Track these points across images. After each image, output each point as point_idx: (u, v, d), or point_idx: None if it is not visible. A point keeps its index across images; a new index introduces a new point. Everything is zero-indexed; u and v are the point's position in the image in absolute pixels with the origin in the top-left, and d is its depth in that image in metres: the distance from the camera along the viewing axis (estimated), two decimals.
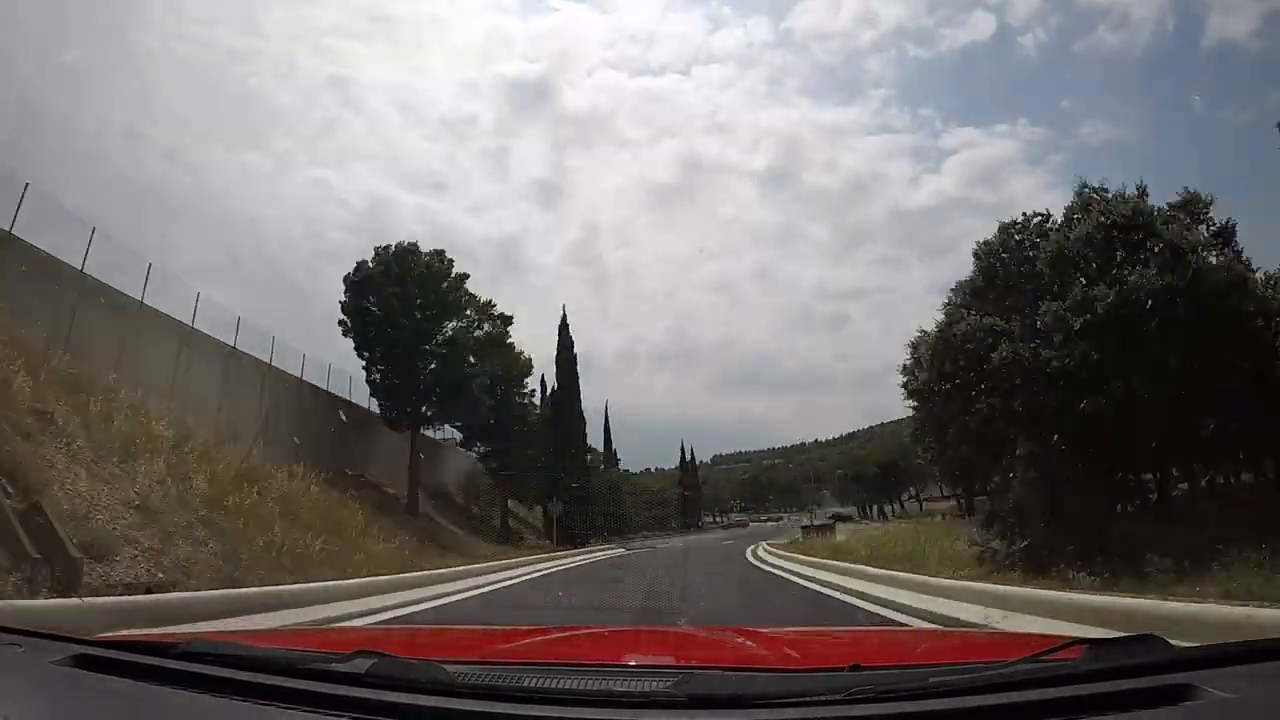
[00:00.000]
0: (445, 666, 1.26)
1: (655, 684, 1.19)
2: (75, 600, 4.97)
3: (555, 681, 1.21)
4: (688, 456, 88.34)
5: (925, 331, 21.27)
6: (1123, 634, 1.32)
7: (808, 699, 1.11)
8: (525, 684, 1.19)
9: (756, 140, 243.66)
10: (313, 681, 1.24)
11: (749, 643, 2.24)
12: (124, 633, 2.07)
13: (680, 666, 1.39)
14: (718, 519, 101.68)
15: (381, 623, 7.26)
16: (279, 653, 1.47)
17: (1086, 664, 1.16)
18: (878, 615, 7.71)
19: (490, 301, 30.94)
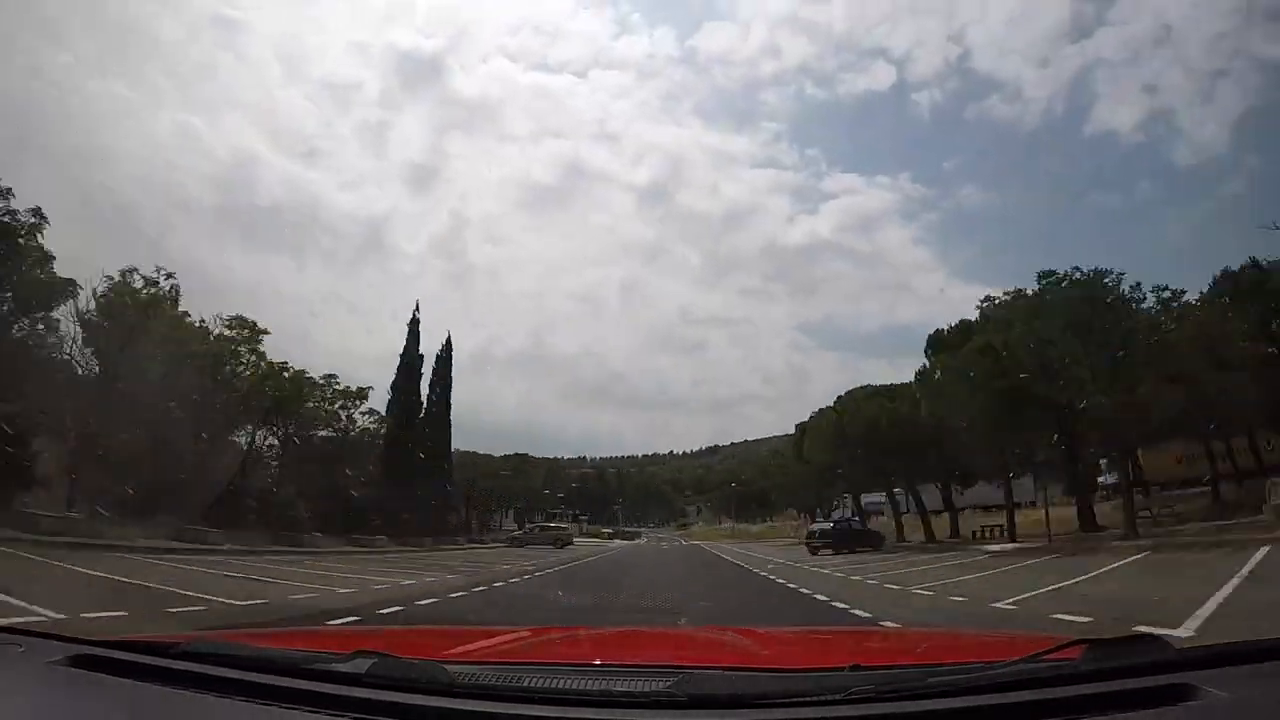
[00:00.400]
0: (445, 666, 1.26)
1: (655, 684, 1.19)
2: None
3: (555, 681, 1.21)
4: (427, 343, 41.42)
5: None
6: (1124, 635, 1.32)
7: (808, 699, 1.11)
8: (525, 684, 1.20)
9: (642, 154, 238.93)
10: (313, 681, 1.24)
11: (749, 643, 2.24)
12: (124, 634, 2.07)
13: (680, 666, 1.39)
14: (512, 527, 55.18)
15: None
16: (279, 653, 1.47)
17: (1086, 664, 1.16)
18: None
19: None
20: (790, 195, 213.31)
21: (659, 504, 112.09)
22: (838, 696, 1.10)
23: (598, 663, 1.58)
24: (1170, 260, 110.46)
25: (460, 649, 1.94)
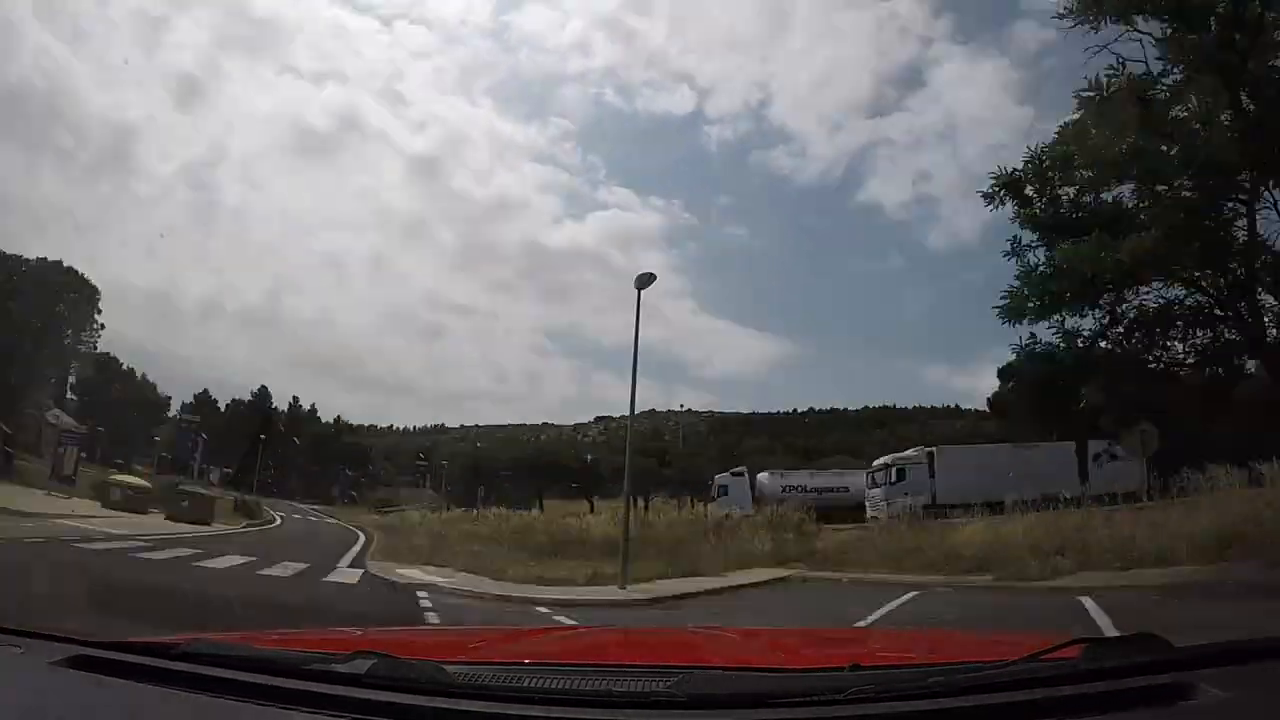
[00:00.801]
0: (445, 666, 1.26)
1: (655, 684, 1.19)
2: None
3: (555, 682, 1.21)
4: None
5: None
6: (1123, 634, 1.33)
7: (807, 699, 1.11)
8: (525, 684, 1.20)
9: (425, 123, 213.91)
10: (313, 682, 1.24)
11: (749, 643, 2.24)
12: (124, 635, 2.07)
13: (680, 666, 1.39)
14: None
15: None
16: (279, 653, 1.47)
17: (1085, 663, 1.16)
18: None
19: None
20: (563, 197, 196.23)
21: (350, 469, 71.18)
22: (838, 697, 1.10)
23: (597, 663, 1.58)
24: (909, 329, 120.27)
25: (460, 649, 1.94)
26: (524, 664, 1.58)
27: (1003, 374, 28.22)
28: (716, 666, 1.58)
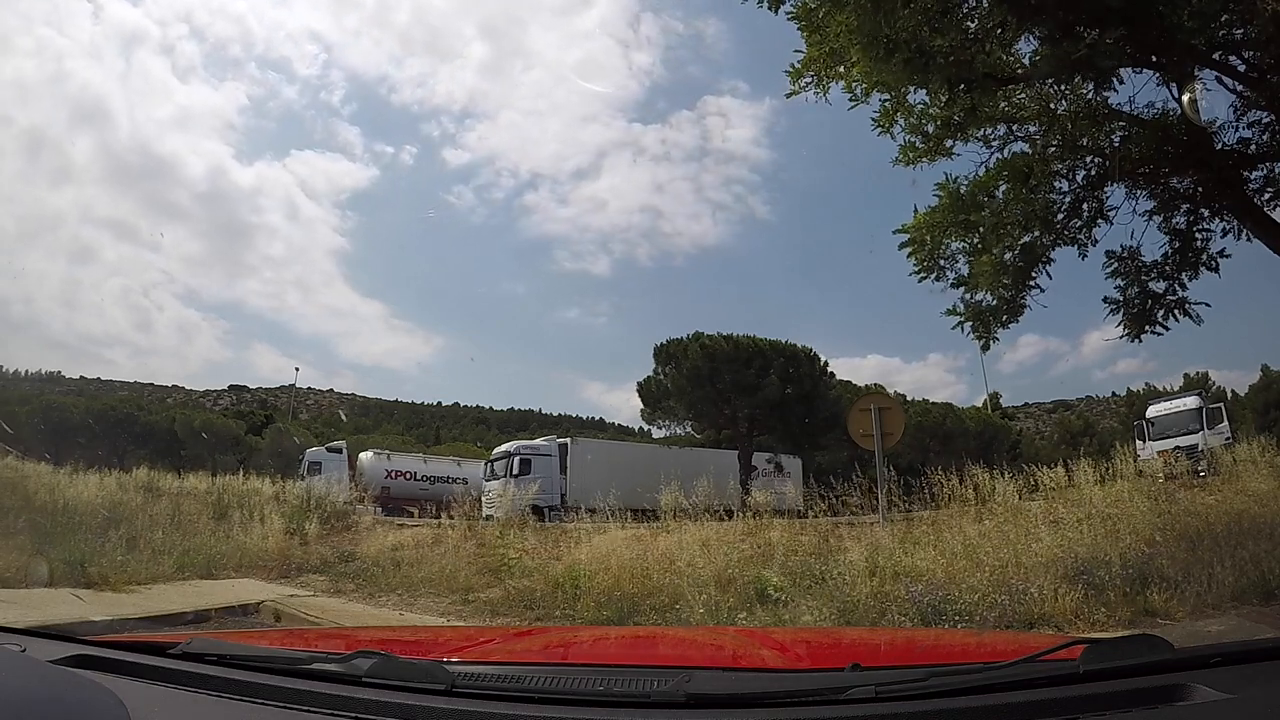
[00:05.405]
0: (445, 666, 1.26)
1: (654, 684, 1.19)
2: None
3: (555, 681, 1.22)
4: None
5: None
6: (1123, 635, 1.33)
7: (807, 699, 1.12)
8: (525, 684, 1.20)
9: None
10: (313, 681, 1.24)
11: (749, 643, 2.25)
12: (125, 633, 2.07)
13: (680, 666, 1.39)
14: None
15: None
16: (279, 652, 1.47)
17: (1085, 664, 1.16)
18: None
19: None
20: (278, 122, 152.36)
21: None
22: (837, 697, 1.10)
23: (597, 663, 1.58)
24: (584, 338, 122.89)
25: (460, 649, 1.94)
26: (524, 664, 1.58)
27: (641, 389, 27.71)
28: (716, 666, 1.58)
